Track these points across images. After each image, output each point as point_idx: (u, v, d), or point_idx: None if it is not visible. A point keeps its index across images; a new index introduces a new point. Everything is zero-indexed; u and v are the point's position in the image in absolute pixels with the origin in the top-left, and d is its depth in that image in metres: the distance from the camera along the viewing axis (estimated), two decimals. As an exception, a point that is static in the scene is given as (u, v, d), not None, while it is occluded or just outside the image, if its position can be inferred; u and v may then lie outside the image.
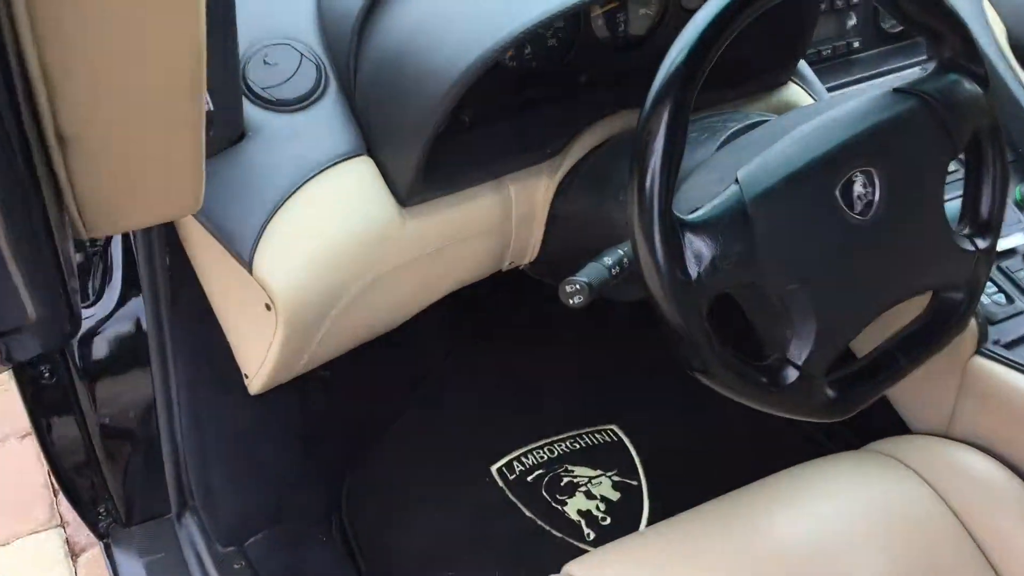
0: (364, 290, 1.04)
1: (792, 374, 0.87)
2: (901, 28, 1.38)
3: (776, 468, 1.12)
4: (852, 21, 1.36)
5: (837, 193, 0.86)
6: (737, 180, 0.84)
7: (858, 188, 0.87)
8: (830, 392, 0.89)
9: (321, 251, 1.00)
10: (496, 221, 1.11)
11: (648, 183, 0.79)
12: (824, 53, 1.34)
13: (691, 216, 0.82)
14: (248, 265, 0.97)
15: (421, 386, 1.44)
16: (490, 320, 1.53)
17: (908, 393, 1.14)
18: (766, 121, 0.96)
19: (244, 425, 1.08)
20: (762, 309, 0.89)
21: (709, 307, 0.83)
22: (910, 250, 0.91)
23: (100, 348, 1.16)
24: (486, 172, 1.08)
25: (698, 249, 0.81)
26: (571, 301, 0.89)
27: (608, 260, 0.91)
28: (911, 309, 0.98)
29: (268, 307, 0.99)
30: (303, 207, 1.00)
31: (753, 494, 1.07)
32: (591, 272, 0.90)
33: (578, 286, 0.88)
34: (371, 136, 1.05)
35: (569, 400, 1.46)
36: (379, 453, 1.35)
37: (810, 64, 1.29)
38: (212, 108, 0.89)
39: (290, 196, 1.00)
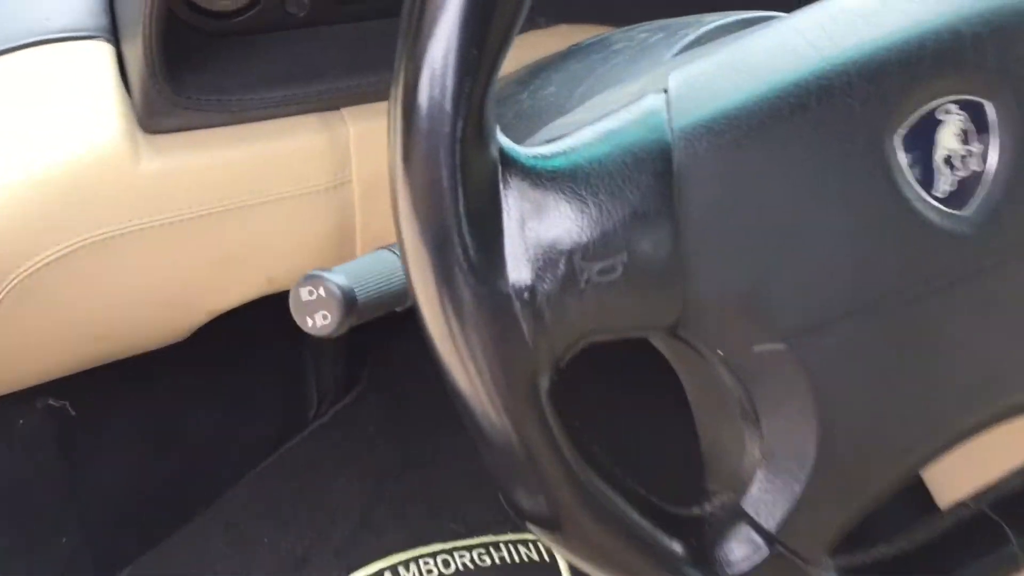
0: (59, 266, 0.61)
1: (750, 547, 0.38)
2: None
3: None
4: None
5: (897, 144, 0.38)
6: (666, 90, 0.37)
7: (948, 139, 0.39)
8: None
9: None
10: (322, 180, 0.66)
11: (427, 61, 0.33)
12: None
13: (538, 151, 0.35)
14: None
15: (271, 445, 0.98)
16: (395, 359, 1.07)
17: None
18: (773, 18, 0.48)
19: None
20: (701, 389, 0.41)
21: (559, 369, 0.36)
22: None
23: None
24: (305, 94, 0.63)
25: (540, 232, 0.34)
26: (308, 322, 0.43)
27: None
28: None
29: None
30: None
31: None
32: (363, 268, 0.44)
33: (322, 290, 0.43)
34: (119, 12, 0.63)
35: (491, 489, 0.98)
36: (182, 539, 0.89)
37: None
38: None
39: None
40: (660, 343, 0.41)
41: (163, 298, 0.67)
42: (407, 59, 0.34)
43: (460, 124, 0.33)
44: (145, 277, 0.64)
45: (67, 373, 0.70)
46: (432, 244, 0.34)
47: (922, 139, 0.38)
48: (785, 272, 0.36)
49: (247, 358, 0.95)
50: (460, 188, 0.33)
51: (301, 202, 0.66)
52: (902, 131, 0.37)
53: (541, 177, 0.35)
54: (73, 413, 0.77)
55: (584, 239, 0.34)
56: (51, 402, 0.76)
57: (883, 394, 0.39)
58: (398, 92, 0.34)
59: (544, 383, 0.35)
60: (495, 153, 0.34)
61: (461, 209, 0.33)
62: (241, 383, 0.97)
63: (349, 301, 0.42)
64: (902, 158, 0.37)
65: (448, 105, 0.33)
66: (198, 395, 0.92)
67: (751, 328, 0.36)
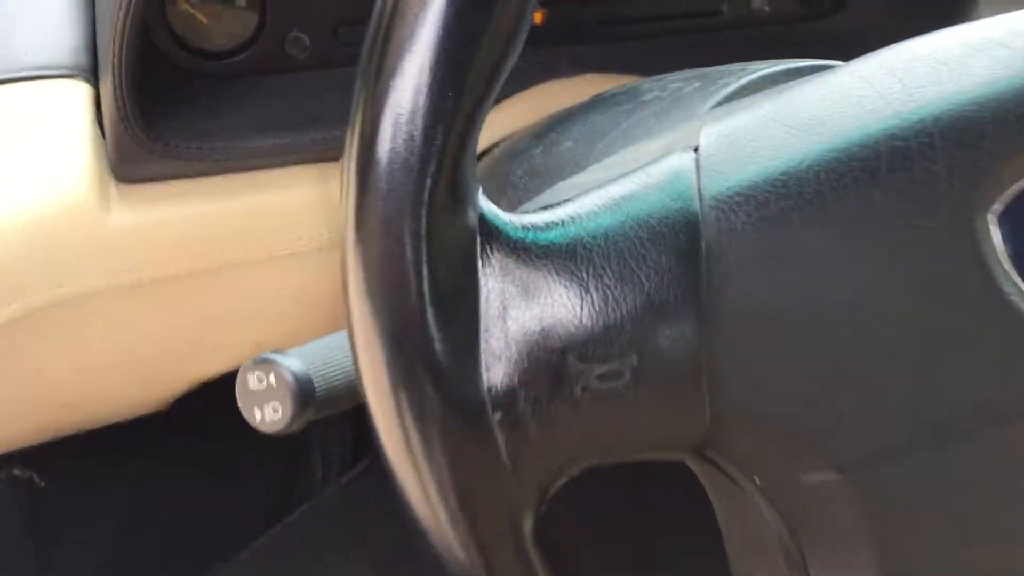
0: (17, 327, 0.54)
1: None
2: None
3: None
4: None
5: (991, 223, 0.30)
6: (696, 147, 0.30)
7: None
8: None
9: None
10: (317, 238, 0.59)
11: (390, 105, 0.26)
12: None
13: (529, 220, 0.28)
14: None
15: (266, 521, 0.91)
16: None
17: None
18: (832, 67, 0.41)
19: None
20: (735, 521, 0.33)
21: (548, 495, 0.28)
22: None
23: None
24: (300, 142, 0.57)
25: (526, 323, 0.27)
26: (256, 415, 0.36)
27: None
28: None
29: None
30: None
31: None
32: (324, 352, 0.37)
33: (273, 377, 0.35)
34: (100, 49, 0.58)
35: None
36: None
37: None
38: None
39: None
40: (687, 458, 0.34)
41: (137, 365, 0.60)
42: (365, 101, 0.27)
43: (428, 183, 0.26)
44: (116, 341, 0.58)
45: (33, 443, 0.64)
46: (388, 335, 0.27)
47: (1022, 217, 0.30)
48: (844, 383, 0.28)
49: (241, 423, 0.88)
50: (426, 264, 0.26)
51: (293, 261, 0.60)
52: (997, 207, 0.30)
53: (531, 253, 0.27)
54: (41, 484, 0.71)
55: (582, 334, 0.27)
56: (16, 472, 0.70)
57: (965, 539, 0.30)
58: (353, 142, 0.27)
59: (527, 521, 0.27)
60: (473, 220, 0.27)
61: (426, 291, 0.26)
62: (233, 451, 0.90)
63: (305, 392, 0.35)
64: (997, 240, 0.30)
65: (414, 159, 0.26)
66: (183, 464, 0.85)
67: (798, 453, 0.29)
